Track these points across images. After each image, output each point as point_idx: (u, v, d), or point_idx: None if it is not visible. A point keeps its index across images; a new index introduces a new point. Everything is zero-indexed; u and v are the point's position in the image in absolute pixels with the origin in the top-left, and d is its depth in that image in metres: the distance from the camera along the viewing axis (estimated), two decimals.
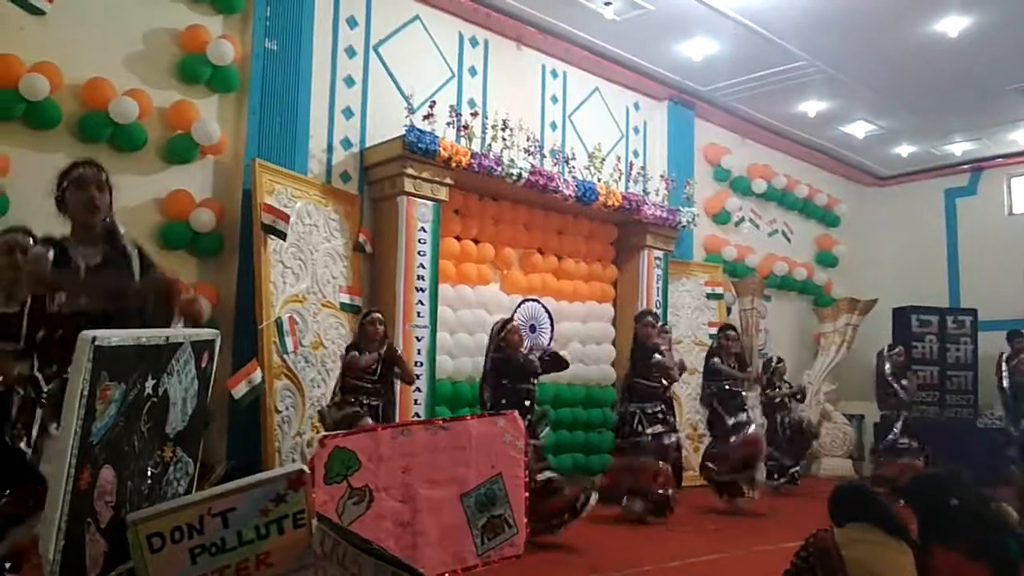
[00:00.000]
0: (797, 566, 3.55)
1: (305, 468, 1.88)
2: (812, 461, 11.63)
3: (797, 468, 10.00)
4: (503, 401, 5.94)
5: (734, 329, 8.87)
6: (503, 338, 6.43)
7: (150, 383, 1.92)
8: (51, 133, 6.38)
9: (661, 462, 7.34)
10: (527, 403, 6.14)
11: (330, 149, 8.10)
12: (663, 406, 7.68)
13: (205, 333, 2.34)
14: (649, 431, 7.39)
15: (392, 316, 7.85)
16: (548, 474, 5.91)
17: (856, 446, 12.26)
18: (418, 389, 7.91)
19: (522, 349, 6.52)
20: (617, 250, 10.32)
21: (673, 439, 7.77)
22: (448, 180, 8.19)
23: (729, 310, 11.56)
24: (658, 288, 10.34)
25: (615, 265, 10.30)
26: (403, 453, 2.30)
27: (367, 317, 6.48)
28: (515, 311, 9.02)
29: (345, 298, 7.80)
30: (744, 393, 8.61)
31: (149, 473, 1.89)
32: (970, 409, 12.10)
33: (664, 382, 7.65)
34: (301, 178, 7.58)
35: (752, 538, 5.17)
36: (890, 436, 9.21)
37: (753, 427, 8.30)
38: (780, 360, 10.48)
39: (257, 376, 6.65)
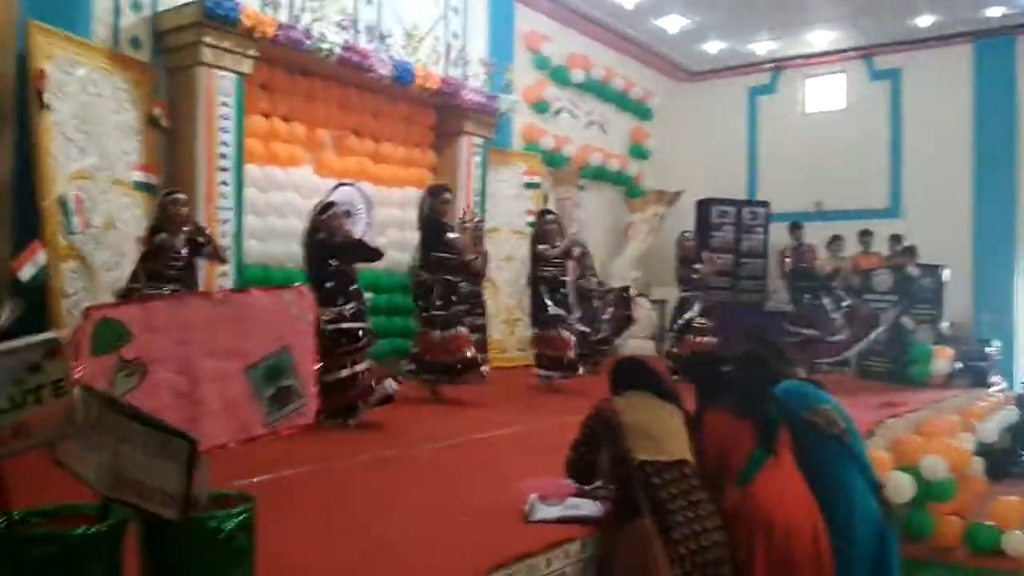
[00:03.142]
0: (584, 433, 3.78)
1: (61, 336, 1.76)
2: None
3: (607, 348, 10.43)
4: (331, 283, 5.86)
5: (552, 213, 8.99)
6: (323, 222, 6.15)
7: None
8: None
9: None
10: (355, 286, 6.07)
11: (117, 11, 7.37)
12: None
13: None
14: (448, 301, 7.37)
15: (193, 197, 7.38)
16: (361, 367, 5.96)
17: (658, 328, 13.07)
18: (224, 274, 7.62)
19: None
20: (436, 135, 10.19)
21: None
22: (252, 52, 7.70)
23: (546, 199, 11.79)
24: (477, 176, 10.36)
25: (434, 151, 10.20)
26: (179, 325, 2.20)
27: (169, 197, 6.07)
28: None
29: (140, 176, 7.28)
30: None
31: None
32: (759, 294, 13.14)
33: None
34: (84, 43, 6.89)
35: (561, 411, 5.47)
36: (687, 315, 9.82)
37: (566, 327, 8.39)
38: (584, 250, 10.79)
39: (42, 257, 6.17)
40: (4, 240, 6.40)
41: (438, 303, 7.30)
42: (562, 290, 8.52)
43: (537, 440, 5.30)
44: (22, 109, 6.48)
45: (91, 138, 6.88)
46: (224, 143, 7.63)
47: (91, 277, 6.67)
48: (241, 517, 2.19)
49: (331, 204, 6.22)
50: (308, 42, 8.04)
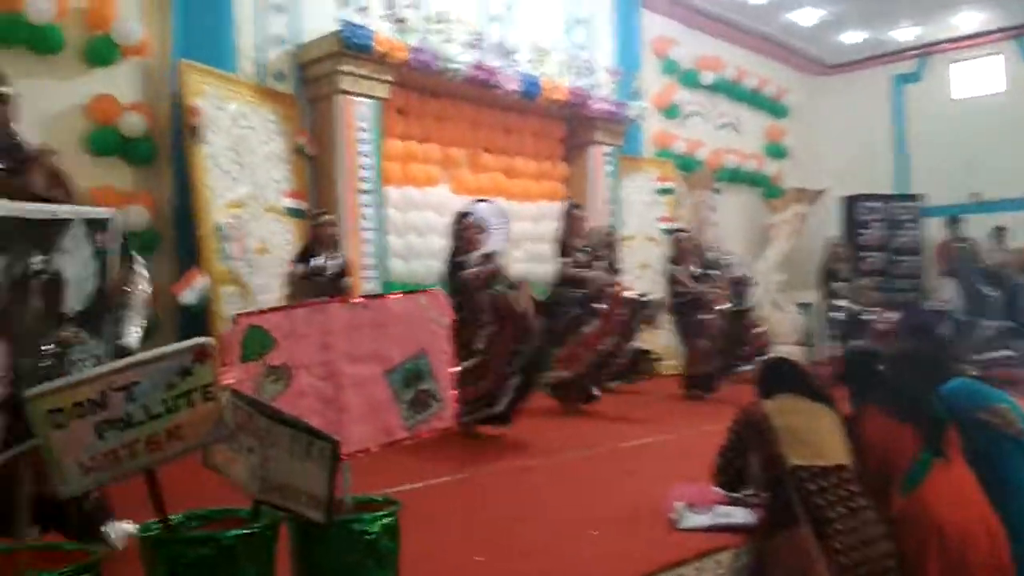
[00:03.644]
0: (730, 440, 3.63)
1: (209, 341, 1.83)
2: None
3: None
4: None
5: (684, 231, 8.81)
6: (457, 232, 6.26)
7: (37, 258, 1.85)
8: None
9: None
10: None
11: (262, 47, 7.78)
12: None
13: (97, 211, 2.25)
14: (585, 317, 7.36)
15: (339, 219, 7.72)
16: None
17: (805, 333, 12.53)
18: (371, 292, 7.86)
19: (479, 249, 6.31)
20: (567, 147, 10.21)
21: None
22: (387, 77, 7.96)
23: (680, 205, 11.57)
24: (608, 184, 10.29)
25: (565, 162, 10.20)
26: (321, 331, 2.25)
27: (319, 220, 6.34)
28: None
29: (290, 202, 7.63)
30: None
31: (48, 352, 1.83)
32: (915, 292, 12.39)
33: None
34: (232, 78, 7.31)
35: (708, 420, 5.32)
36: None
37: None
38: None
39: (200, 282, 6.55)
40: (167, 267, 6.83)
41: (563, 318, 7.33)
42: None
43: (683, 448, 5.16)
44: (178, 144, 6.92)
45: (244, 168, 7.28)
46: (363, 167, 7.89)
47: (247, 299, 7.02)
48: (386, 520, 2.21)
49: (466, 214, 6.28)
50: (438, 63, 8.22)
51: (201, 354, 1.78)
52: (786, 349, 11.52)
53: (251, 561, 1.95)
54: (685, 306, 8.38)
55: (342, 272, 6.37)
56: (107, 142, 6.73)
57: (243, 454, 1.94)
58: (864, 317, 9.31)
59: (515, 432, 5.95)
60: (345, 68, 7.69)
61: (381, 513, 2.22)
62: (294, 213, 7.62)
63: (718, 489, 3.73)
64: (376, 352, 2.37)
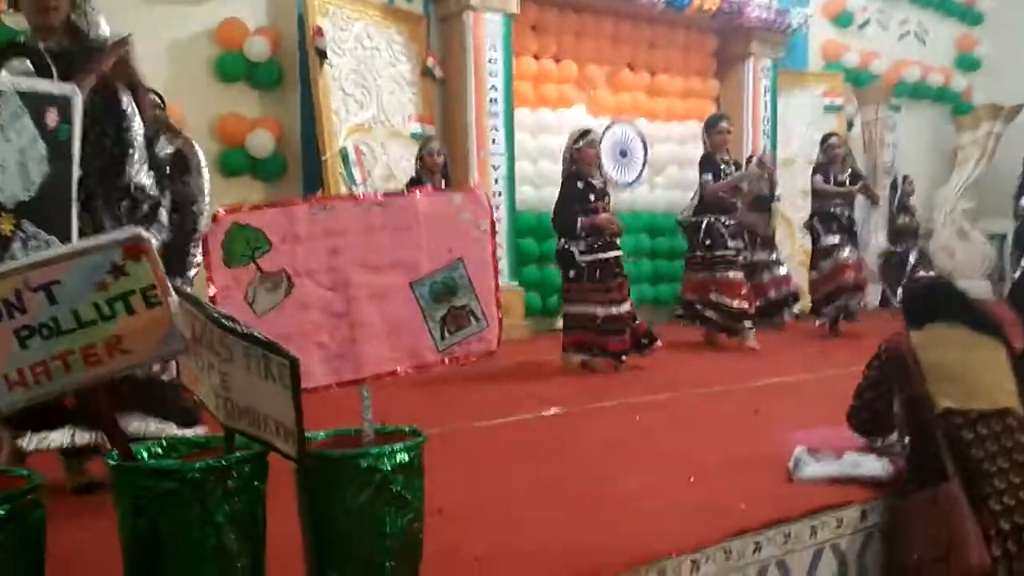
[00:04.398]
0: (869, 376, 3.04)
1: (143, 234, 1.52)
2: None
3: None
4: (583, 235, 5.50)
5: (836, 135, 7.84)
6: (576, 154, 5.67)
7: None
8: None
9: (738, 275, 6.64)
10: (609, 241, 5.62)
11: None
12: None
13: (45, 85, 2.01)
14: (731, 245, 6.67)
15: (464, 144, 7.44)
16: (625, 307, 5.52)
17: (996, 267, 11.15)
18: (498, 219, 7.55)
19: (598, 170, 5.80)
20: (719, 62, 9.36)
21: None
22: None
23: (851, 124, 10.45)
24: (766, 102, 9.39)
25: (716, 79, 9.37)
26: (327, 232, 1.90)
27: (425, 148, 6.08)
28: (602, 135, 8.42)
29: (416, 127, 7.38)
30: (849, 213, 7.56)
31: None
32: None
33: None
34: None
35: (854, 361, 4.62)
36: None
37: (847, 251, 7.35)
38: (907, 179, 9.34)
39: None
40: (293, 193, 6.77)
41: (706, 244, 6.66)
42: (843, 224, 7.45)
43: (825, 389, 4.53)
44: (304, 68, 6.78)
45: (369, 92, 7.08)
46: (493, 87, 7.52)
47: None
48: (402, 456, 1.86)
49: (587, 131, 5.75)
50: None
51: (133, 250, 1.48)
52: (970, 284, 10.30)
53: (227, 498, 1.66)
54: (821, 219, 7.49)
55: None
56: (233, 67, 6.71)
57: (205, 372, 1.64)
58: None
59: (635, 366, 5.51)
60: None
61: (395, 447, 1.87)
62: (421, 138, 7.35)
63: (854, 434, 3.17)
64: (399, 260, 2.00)
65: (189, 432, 2.60)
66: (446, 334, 2.07)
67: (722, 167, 6.69)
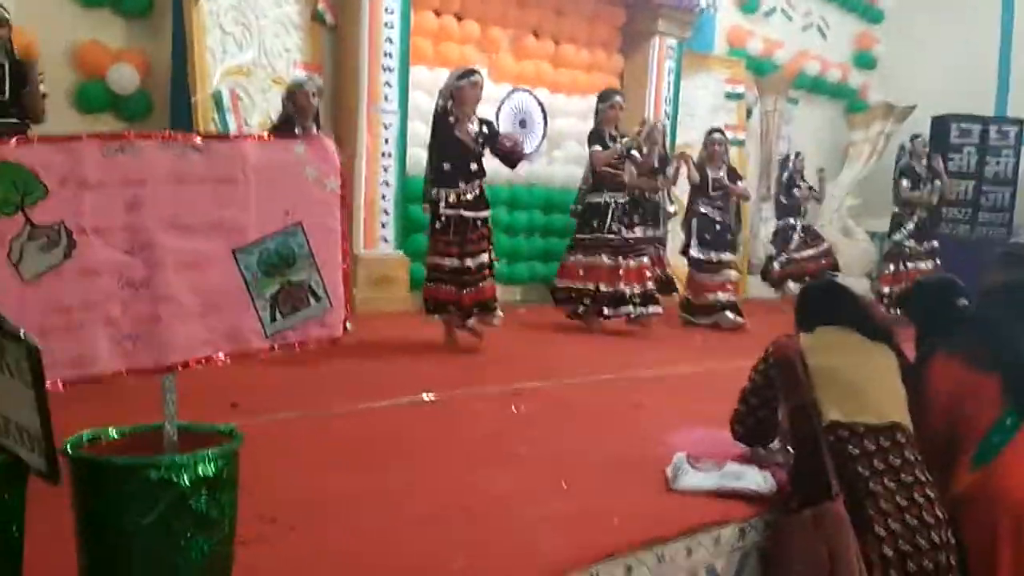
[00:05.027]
0: (754, 381, 2.84)
1: None
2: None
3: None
4: (452, 163, 5.16)
5: (721, 132, 7.70)
6: (456, 92, 5.26)
7: None
8: None
9: (630, 260, 6.49)
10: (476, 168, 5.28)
11: None
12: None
13: None
14: (616, 228, 6.48)
15: (354, 99, 6.98)
16: (484, 258, 5.23)
17: (877, 265, 11.43)
18: (386, 183, 7.14)
19: (473, 118, 5.35)
20: (624, 37, 9.15)
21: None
22: None
23: (749, 112, 10.45)
24: (670, 83, 9.24)
25: (621, 54, 9.15)
26: (125, 179, 1.51)
27: (298, 85, 5.47)
28: (501, 102, 8.09)
29: (301, 74, 6.83)
30: (723, 218, 7.50)
31: None
32: (1004, 228, 11.13)
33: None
34: None
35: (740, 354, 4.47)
36: (897, 235, 8.31)
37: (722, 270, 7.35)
38: (798, 154, 9.29)
39: None
40: None
41: (590, 225, 6.49)
42: (718, 226, 7.40)
43: (702, 385, 4.39)
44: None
45: (250, 32, 6.52)
46: (389, 39, 7.07)
47: None
48: (206, 467, 1.50)
49: (472, 71, 5.38)
50: None
51: None
52: (852, 281, 10.51)
53: None
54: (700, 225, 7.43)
55: None
56: None
57: None
58: None
59: (507, 348, 5.24)
60: None
61: (197, 456, 1.51)
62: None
63: (735, 442, 2.98)
64: (220, 220, 1.62)
65: None
66: (277, 315, 1.71)
67: (610, 142, 6.49)
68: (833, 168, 11.68)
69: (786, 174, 9.05)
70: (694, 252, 7.33)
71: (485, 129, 5.37)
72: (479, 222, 5.28)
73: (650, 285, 6.63)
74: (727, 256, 7.43)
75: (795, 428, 2.64)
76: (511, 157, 5.57)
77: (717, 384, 3.75)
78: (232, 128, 6.23)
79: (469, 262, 5.19)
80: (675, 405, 3.94)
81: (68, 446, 1.51)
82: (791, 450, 2.69)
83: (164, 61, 6.31)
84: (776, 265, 9.02)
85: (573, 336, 6.22)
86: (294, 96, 5.29)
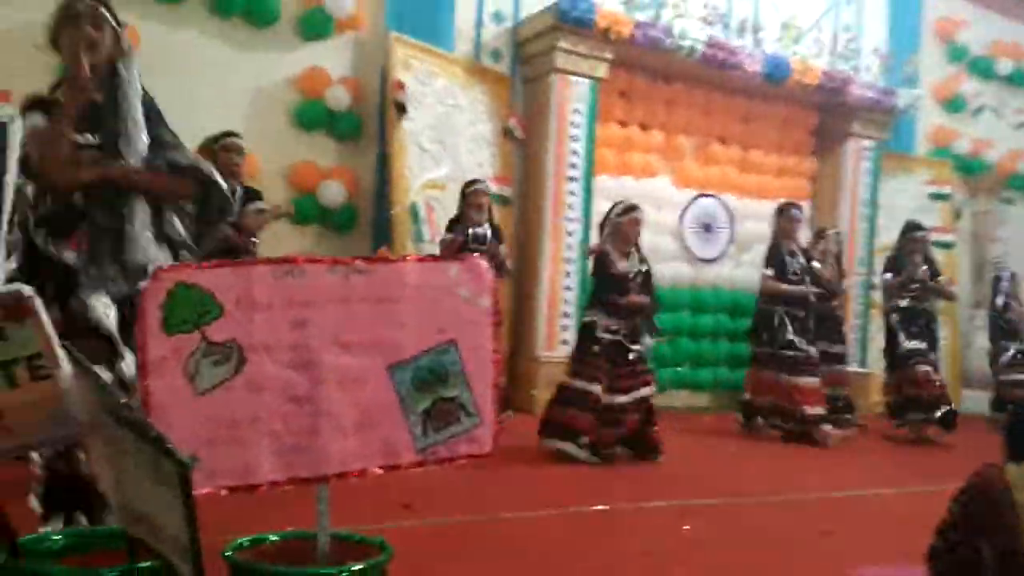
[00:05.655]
0: (953, 513, 2.55)
1: (26, 290, 1.27)
2: None
3: None
4: (603, 315, 5.12)
5: (922, 228, 7.20)
6: (616, 224, 5.27)
7: None
8: (181, 5, 6.16)
9: (808, 378, 6.16)
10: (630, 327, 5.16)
11: (479, 24, 7.39)
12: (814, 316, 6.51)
13: None
14: (795, 339, 6.18)
15: (540, 209, 7.22)
16: (647, 391, 5.06)
17: None
18: (568, 288, 7.25)
19: (632, 250, 5.31)
20: (818, 139, 8.92)
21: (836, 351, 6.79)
22: (607, 55, 7.28)
23: (958, 215, 9.80)
24: (867, 184, 8.86)
25: (814, 157, 8.92)
26: (293, 301, 1.62)
27: (471, 187, 5.74)
28: (686, 208, 8.07)
29: (493, 187, 7.15)
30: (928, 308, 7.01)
31: None
32: None
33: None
34: (442, 54, 6.97)
35: (937, 477, 4.05)
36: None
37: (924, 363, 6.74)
38: (1014, 275, 8.63)
39: None
40: (361, 245, 6.64)
41: (777, 339, 6.27)
42: (920, 320, 6.88)
43: (894, 511, 4.01)
44: (383, 121, 6.69)
45: (446, 149, 6.94)
46: (574, 152, 7.28)
47: None
48: None
49: (633, 207, 5.35)
50: (668, 41, 7.40)
51: (15, 311, 1.23)
52: None
53: None
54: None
55: (497, 239, 5.72)
56: (314, 115, 6.67)
57: (104, 463, 1.37)
58: None
59: (686, 458, 5.04)
60: (562, 44, 7.11)
61: (343, 570, 1.54)
62: (497, 199, 7.14)
63: None
64: (378, 338, 1.70)
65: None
66: (429, 431, 1.76)
67: (787, 259, 6.33)
68: None
69: (1000, 298, 8.38)
70: (904, 345, 6.81)
71: (644, 267, 5.32)
72: (638, 355, 5.16)
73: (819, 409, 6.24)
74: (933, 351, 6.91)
75: (1003, 570, 2.33)
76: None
77: (921, 511, 3.41)
78: (427, 237, 6.60)
79: (623, 398, 5.01)
80: (870, 534, 3.62)
81: (228, 550, 1.60)
82: None
83: (369, 178, 6.82)
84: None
85: (762, 449, 5.91)
86: (465, 196, 5.59)
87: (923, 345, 6.80)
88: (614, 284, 5.15)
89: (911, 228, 7.18)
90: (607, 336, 5.06)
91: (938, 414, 6.60)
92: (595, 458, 4.87)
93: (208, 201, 2.56)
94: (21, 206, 2.26)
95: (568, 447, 4.89)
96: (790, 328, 6.24)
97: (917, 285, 6.93)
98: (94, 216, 2.42)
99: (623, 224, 5.24)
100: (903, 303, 6.91)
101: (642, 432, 5.02)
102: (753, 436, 6.27)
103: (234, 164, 4.99)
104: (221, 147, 5.01)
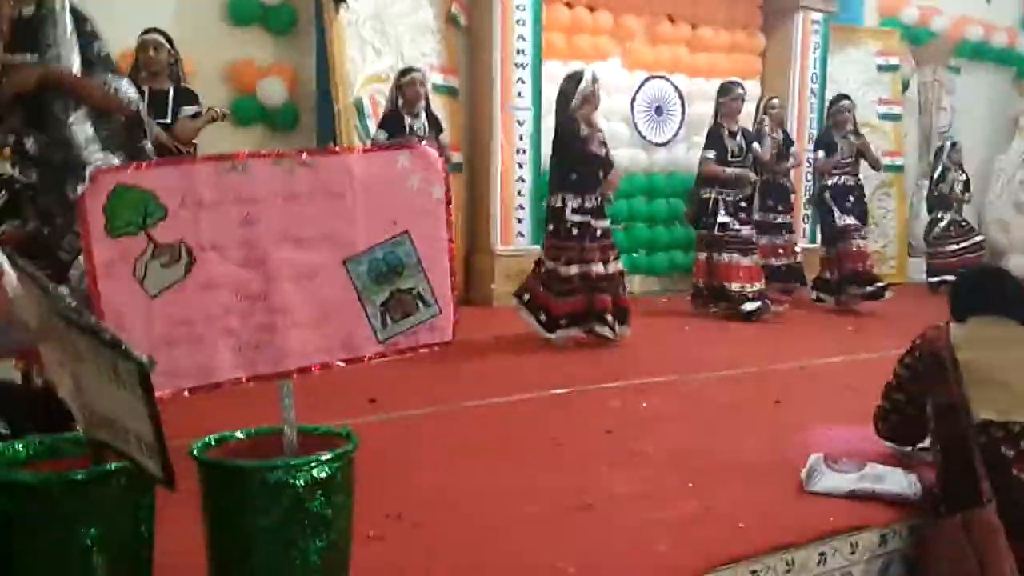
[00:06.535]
0: (899, 375, 2.67)
1: None
2: (997, 260, 10.06)
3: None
4: (579, 172, 5.12)
5: (847, 98, 7.28)
6: (589, 95, 5.20)
7: None
8: None
9: (740, 257, 6.31)
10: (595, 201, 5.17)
11: None
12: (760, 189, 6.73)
13: None
14: (731, 222, 6.30)
15: (489, 97, 7.07)
16: (618, 265, 5.15)
17: None
18: (521, 179, 7.19)
19: (594, 124, 5.32)
20: (765, 14, 8.77)
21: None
22: None
23: (906, 85, 9.83)
24: (816, 59, 8.81)
25: (763, 33, 8.80)
26: (239, 197, 1.58)
27: (405, 76, 5.53)
28: (637, 90, 7.98)
29: (439, 78, 6.99)
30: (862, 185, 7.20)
31: None
32: None
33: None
34: None
35: (884, 343, 4.20)
36: None
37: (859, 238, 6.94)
38: (954, 144, 8.78)
39: None
40: (305, 144, 6.47)
41: (709, 221, 6.39)
42: (853, 194, 7.06)
43: (847, 378, 4.17)
44: (319, 11, 6.43)
45: (388, 39, 6.71)
46: (521, 37, 7.10)
47: None
48: (320, 470, 1.56)
49: (597, 77, 5.30)
50: None
51: None
52: (1020, 263, 9.73)
53: (97, 517, 1.38)
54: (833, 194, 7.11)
55: (437, 130, 5.62)
56: (246, 9, 6.37)
57: (60, 369, 1.36)
58: None
59: (642, 341, 5.15)
60: None
61: (312, 460, 1.57)
62: (445, 91, 6.99)
63: (879, 440, 2.82)
64: (330, 232, 1.68)
65: None
66: (388, 321, 1.76)
67: (727, 142, 6.40)
68: (1003, 140, 10.83)
69: (939, 167, 8.54)
70: (840, 221, 6.97)
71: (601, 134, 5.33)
72: (606, 231, 5.22)
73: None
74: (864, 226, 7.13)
75: (943, 427, 2.46)
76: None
77: (864, 377, 3.57)
78: (373, 132, 6.46)
79: (604, 268, 5.10)
80: (816, 401, 3.77)
81: (194, 449, 1.62)
82: (939, 451, 2.51)
83: (309, 74, 6.60)
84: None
85: (714, 327, 6.05)
86: (400, 87, 5.41)
87: (856, 221, 6.95)
88: (589, 159, 5.13)
89: (836, 99, 7.27)
90: (576, 217, 5.07)
91: (869, 289, 6.80)
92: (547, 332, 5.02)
93: (132, 132, 2.57)
94: None
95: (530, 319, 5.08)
96: (723, 211, 6.32)
97: (848, 160, 7.03)
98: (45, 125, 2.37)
99: (595, 93, 5.19)
100: (836, 180, 7.01)
101: (617, 301, 5.13)
102: (704, 316, 6.40)
103: (154, 63, 4.70)
104: (139, 45, 4.74)
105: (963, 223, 8.85)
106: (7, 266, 1.29)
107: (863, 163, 7.22)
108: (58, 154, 2.52)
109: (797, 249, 7.49)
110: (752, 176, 6.60)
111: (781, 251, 7.33)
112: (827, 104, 7.43)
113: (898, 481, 2.47)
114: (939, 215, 8.75)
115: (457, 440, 3.10)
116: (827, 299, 7.05)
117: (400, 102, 5.46)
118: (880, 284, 6.85)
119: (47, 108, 2.52)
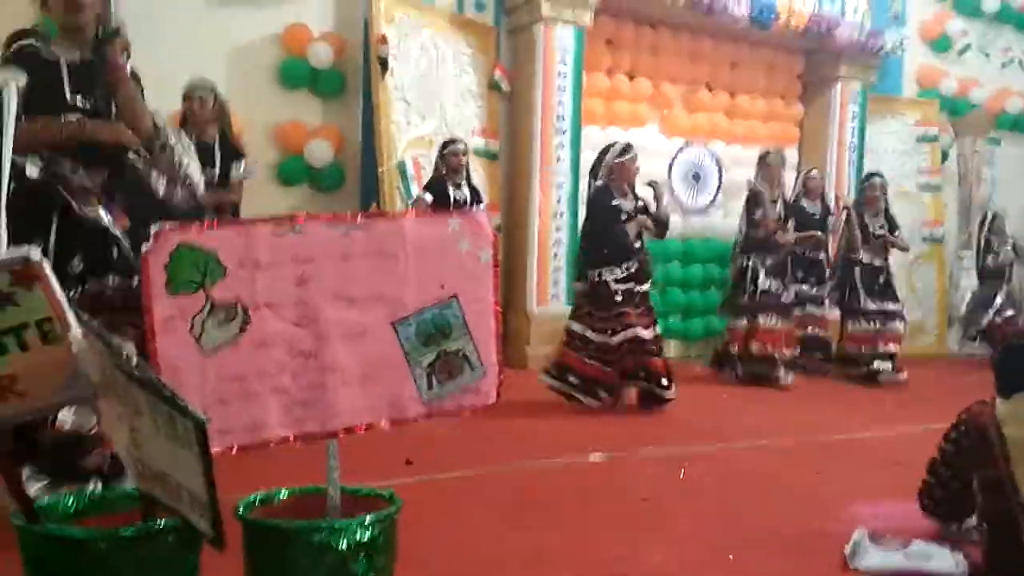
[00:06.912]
0: (944, 451, 2.63)
1: (33, 256, 1.27)
2: None
3: None
4: (602, 252, 5.15)
5: (879, 176, 7.29)
6: (615, 165, 5.28)
7: None
8: None
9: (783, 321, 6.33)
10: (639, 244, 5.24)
11: None
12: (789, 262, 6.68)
13: None
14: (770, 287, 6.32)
15: (528, 161, 7.18)
16: (656, 330, 5.15)
17: None
18: (558, 242, 7.26)
19: (629, 191, 5.37)
20: (804, 84, 8.87)
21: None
22: (592, 1, 7.17)
23: (945, 155, 9.80)
24: (853, 128, 8.85)
25: (801, 102, 8.88)
26: (294, 258, 1.62)
27: (447, 146, 5.76)
28: (674, 157, 8.06)
29: (480, 142, 7.13)
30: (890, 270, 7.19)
31: None
32: None
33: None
34: (426, 7, 6.87)
35: (922, 415, 4.12)
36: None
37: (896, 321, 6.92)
38: (996, 216, 8.68)
39: None
40: (348, 204, 6.60)
41: (749, 288, 6.44)
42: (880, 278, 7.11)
43: (891, 452, 4.08)
44: (366, 76, 6.62)
45: (431, 103, 6.87)
46: (561, 103, 7.23)
47: None
48: (363, 533, 1.56)
49: (629, 147, 5.38)
50: None
51: (24, 275, 1.24)
52: None
53: (144, 571, 1.40)
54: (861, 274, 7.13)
55: (477, 200, 5.79)
56: (296, 73, 6.58)
57: (118, 423, 1.39)
58: None
59: (679, 407, 5.10)
60: None
61: (355, 522, 1.58)
62: (484, 154, 7.12)
63: (925, 517, 2.76)
64: (381, 292, 1.71)
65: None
66: (434, 383, 1.78)
67: (767, 207, 6.58)
68: None
69: (983, 238, 8.45)
70: (864, 304, 6.92)
71: (641, 203, 5.37)
72: (645, 295, 5.25)
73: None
74: (893, 307, 7.04)
75: (989, 504, 2.41)
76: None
77: (908, 451, 3.50)
78: (415, 194, 6.57)
79: (648, 332, 5.10)
80: (859, 474, 3.70)
81: (240, 507, 1.63)
82: (986, 528, 2.45)
83: (355, 136, 6.76)
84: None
85: (752, 395, 5.98)
86: (444, 157, 5.57)
87: (884, 305, 6.96)
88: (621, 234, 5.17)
89: (868, 176, 7.30)
90: (621, 287, 5.10)
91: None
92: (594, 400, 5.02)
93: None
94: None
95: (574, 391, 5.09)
96: (762, 274, 6.32)
97: (877, 240, 7.05)
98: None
99: (624, 164, 5.26)
100: (863, 258, 6.99)
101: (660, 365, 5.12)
102: (743, 382, 6.33)
103: (200, 114, 4.82)
104: (186, 95, 4.89)
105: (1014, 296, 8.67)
106: (72, 320, 1.34)
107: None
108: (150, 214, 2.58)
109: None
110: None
111: (812, 323, 7.26)
112: (860, 182, 7.45)
113: (945, 561, 2.41)
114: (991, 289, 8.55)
115: (493, 504, 3.08)
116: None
117: (444, 170, 5.62)
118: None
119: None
